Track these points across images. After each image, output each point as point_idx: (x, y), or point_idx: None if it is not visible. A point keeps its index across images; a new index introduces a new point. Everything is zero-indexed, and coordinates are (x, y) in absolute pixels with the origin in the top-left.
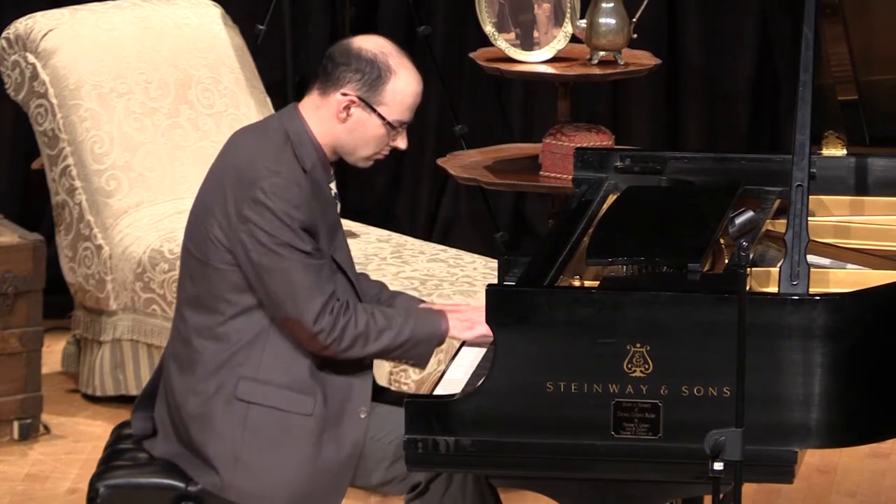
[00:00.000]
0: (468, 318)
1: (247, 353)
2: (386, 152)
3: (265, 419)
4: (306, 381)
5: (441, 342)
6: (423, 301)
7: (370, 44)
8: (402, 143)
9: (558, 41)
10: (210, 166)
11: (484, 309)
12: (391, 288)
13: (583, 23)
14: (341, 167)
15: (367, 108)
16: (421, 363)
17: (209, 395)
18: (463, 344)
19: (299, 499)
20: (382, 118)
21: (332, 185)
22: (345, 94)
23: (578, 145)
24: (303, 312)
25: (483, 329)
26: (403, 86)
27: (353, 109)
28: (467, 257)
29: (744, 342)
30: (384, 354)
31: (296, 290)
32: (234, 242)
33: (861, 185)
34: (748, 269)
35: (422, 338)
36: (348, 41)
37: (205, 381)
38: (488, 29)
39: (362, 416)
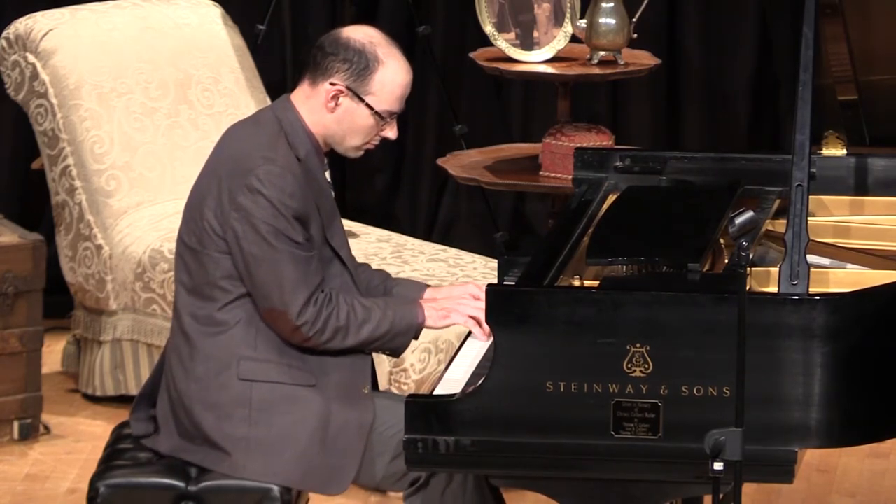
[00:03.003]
0: (443, 308)
1: (242, 334)
2: (376, 142)
3: (270, 395)
4: (302, 359)
5: (418, 333)
6: (427, 286)
7: (359, 34)
8: (391, 133)
9: (558, 41)
10: (206, 160)
11: (462, 296)
12: (399, 277)
13: (583, 23)
14: (341, 167)
15: (356, 97)
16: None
17: (211, 380)
18: (463, 343)
19: (314, 471)
20: (370, 108)
21: (327, 174)
22: (333, 84)
23: (578, 145)
24: (288, 304)
25: (459, 319)
26: (392, 76)
27: (341, 99)
28: (467, 257)
29: (744, 342)
30: (363, 346)
31: (283, 282)
32: (226, 229)
33: (861, 185)
34: (748, 269)
35: (400, 330)
36: (338, 31)
37: (205, 367)
38: (488, 29)
39: (365, 391)
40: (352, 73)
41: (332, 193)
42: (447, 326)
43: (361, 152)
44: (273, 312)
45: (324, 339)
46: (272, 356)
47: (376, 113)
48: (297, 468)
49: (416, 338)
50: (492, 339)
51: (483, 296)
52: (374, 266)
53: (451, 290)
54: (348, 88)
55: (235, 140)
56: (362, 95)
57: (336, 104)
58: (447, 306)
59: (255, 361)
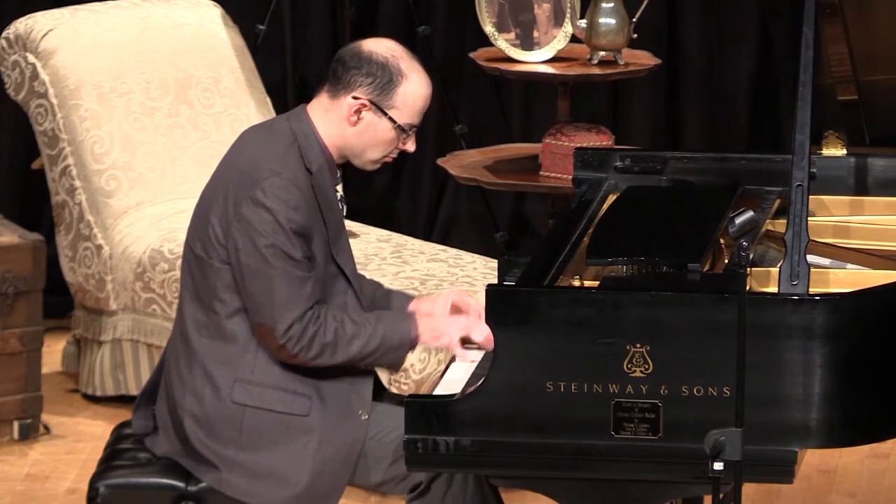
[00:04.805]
0: (436, 327)
1: (241, 354)
2: (394, 155)
3: (261, 422)
4: (301, 383)
5: (413, 347)
6: (411, 297)
7: (381, 47)
8: (411, 146)
9: (558, 41)
10: (217, 165)
11: (458, 321)
12: (390, 287)
13: (583, 23)
14: (343, 167)
15: (379, 111)
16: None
17: (206, 398)
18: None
19: (298, 498)
20: (393, 121)
21: (339, 188)
22: (356, 98)
23: (578, 145)
24: (276, 321)
25: (447, 341)
26: (415, 89)
27: (364, 113)
28: (467, 257)
29: (744, 342)
30: (354, 362)
31: (275, 298)
32: (228, 238)
33: (861, 185)
34: (748, 269)
35: (392, 345)
36: (358, 44)
37: (202, 382)
38: (488, 29)
39: (363, 417)
40: (375, 87)
41: (344, 210)
42: (439, 347)
43: (378, 166)
44: (262, 328)
45: (311, 356)
46: (269, 379)
47: (398, 126)
48: (281, 495)
49: (412, 349)
50: (475, 362)
51: (477, 334)
52: (375, 266)
53: (445, 308)
54: (371, 102)
55: (246, 149)
56: (385, 109)
57: (358, 118)
58: (440, 326)
59: (251, 385)
